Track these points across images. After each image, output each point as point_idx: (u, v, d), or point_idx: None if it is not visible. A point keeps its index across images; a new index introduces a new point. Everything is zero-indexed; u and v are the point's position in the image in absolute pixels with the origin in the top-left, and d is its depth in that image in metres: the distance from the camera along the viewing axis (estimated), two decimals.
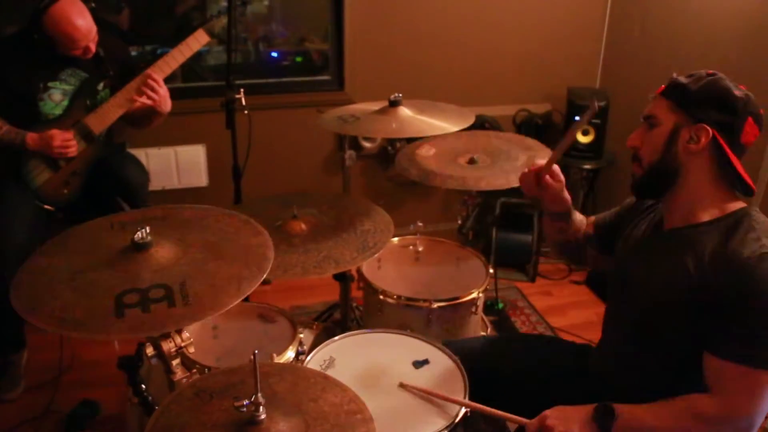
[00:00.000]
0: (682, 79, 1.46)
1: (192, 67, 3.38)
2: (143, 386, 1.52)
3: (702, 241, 1.42)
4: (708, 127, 1.40)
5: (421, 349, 1.81)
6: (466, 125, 2.21)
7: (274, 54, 3.56)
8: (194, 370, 1.57)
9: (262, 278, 1.41)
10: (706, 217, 1.45)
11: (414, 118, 2.22)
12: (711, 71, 1.46)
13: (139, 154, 3.12)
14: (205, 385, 1.33)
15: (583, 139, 3.54)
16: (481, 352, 1.89)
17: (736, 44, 2.75)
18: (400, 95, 2.26)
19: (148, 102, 2.54)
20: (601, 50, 3.78)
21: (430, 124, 2.18)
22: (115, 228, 1.56)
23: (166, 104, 2.61)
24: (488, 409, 1.57)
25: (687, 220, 1.48)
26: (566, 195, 1.76)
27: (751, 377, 1.32)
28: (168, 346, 1.38)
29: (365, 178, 3.71)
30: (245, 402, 1.18)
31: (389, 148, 3.59)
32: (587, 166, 3.61)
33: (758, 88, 2.58)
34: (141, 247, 1.36)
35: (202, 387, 1.32)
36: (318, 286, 3.41)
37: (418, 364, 1.75)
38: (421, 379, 1.69)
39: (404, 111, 2.23)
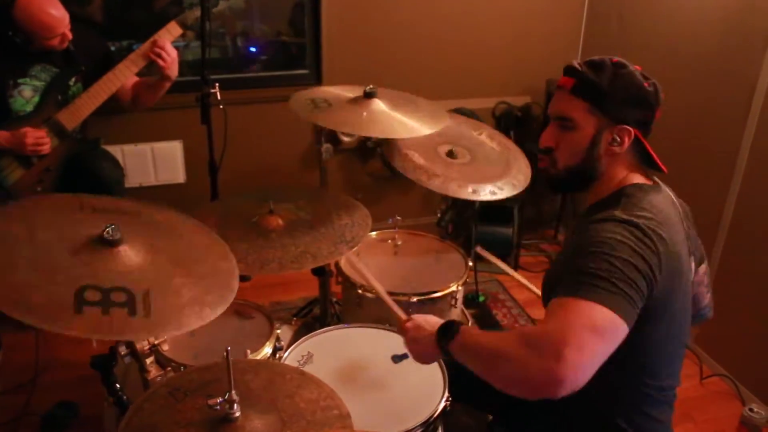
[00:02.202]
0: (591, 74, 1.40)
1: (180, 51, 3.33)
2: (118, 386, 1.50)
3: (585, 220, 1.41)
4: (630, 128, 1.39)
5: (400, 343, 1.80)
6: (438, 128, 2.18)
7: (253, 49, 3.52)
8: (169, 368, 1.54)
9: (222, 309, 1.34)
10: (602, 196, 1.45)
11: (386, 114, 2.18)
12: (615, 59, 1.42)
13: (115, 150, 3.07)
14: (179, 384, 1.31)
15: None
16: None
17: (712, 37, 2.76)
18: (375, 87, 2.23)
19: (159, 62, 2.55)
20: (579, 42, 3.78)
21: (402, 123, 2.16)
22: (85, 210, 1.50)
23: (175, 68, 2.63)
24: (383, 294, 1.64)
25: (592, 201, 1.48)
26: None
27: (563, 304, 1.23)
28: (141, 344, 1.36)
29: (344, 173, 3.68)
30: (219, 400, 1.16)
31: (368, 142, 3.57)
32: None
33: (732, 80, 2.63)
34: (109, 243, 1.33)
35: (176, 385, 1.30)
36: (298, 281, 3.38)
37: (397, 358, 1.74)
38: (401, 373, 1.68)
39: (378, 104, 2.20)
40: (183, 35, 3.26)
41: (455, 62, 3.63)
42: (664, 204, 1.42)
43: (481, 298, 3.28)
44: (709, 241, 2.69)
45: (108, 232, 1.31)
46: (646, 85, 1.40)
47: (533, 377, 1.17)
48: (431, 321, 1.46)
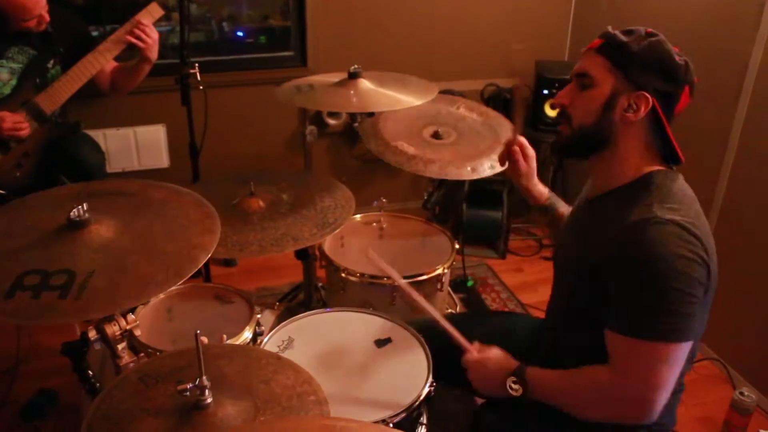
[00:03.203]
0: (621, 36, 1.35)
1: (165, 36, 3.28)
2: (90, 372, 1.45)
3: (609, 207, 1.39)
4: (649, 96, 1.32)
5: (384, 327, 1.77)
6: (429, 98, 2.14)
7: (240, 33, 3.46)
8: (142, 354, 1.50)
9: (173, 285, 1.30)
10: (621, 182, 1.40)
11: (375, 91, 2.15)
12: (650, 30, 1.37)
13: (97, 135, 3.01)
14: (151, 370, 1.26)
15: (551, 112, 3.49)
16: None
17: (703, 15, 2.71)
18: (360, 67, 2.18)
19: (140, 44, 2.47)
20: (569, 23, 3.72)
21: (392, 97, 2.12)
22: (81, 197, 1.44)
23: (156, 50, 2.55)
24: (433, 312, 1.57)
25: (608, 186, 1.43)
26: (541, 188, 1.73)
27: (634, 347, 1.26)
28: (112, 329, 1.31)
29: (330, 156, 3.63)
30: (189, 386, 1.12)
31: (355, 125, 3.51)
32: None
33: (724, 59, 2.58)
34: (76, 226, 1.28)
35: (147, 371, 1.26)
36: (284, 267, 3.34)
37: (381, 342, 1.71)
38: (384, 358, 1.64)
39: (364, 83, 2.16)
40: (167, 18, 3.22)
41: (443, 44, 3.57)
42: (690, 193, 1.38)
43: (470, 283, 3.24)
44: None
45: (75, 214, 1.26)
46: (677, 58, 1.34)
47: (629, 419, 1.32)
48: (495, 360, 1.50)
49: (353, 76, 2.16)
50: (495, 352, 1.51)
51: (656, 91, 1.33)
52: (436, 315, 1.57)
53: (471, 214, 3.55)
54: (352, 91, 2.12)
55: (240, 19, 3.44)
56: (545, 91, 3.44)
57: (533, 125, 3.56)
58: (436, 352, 1.64)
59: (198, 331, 1.08)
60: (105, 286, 1.24)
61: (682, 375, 1.43)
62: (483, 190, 3.64)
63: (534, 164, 1.71)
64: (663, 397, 1.27)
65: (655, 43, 1.34)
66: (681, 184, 1.38)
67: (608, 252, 1.31)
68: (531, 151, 1.70)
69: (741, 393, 2.31)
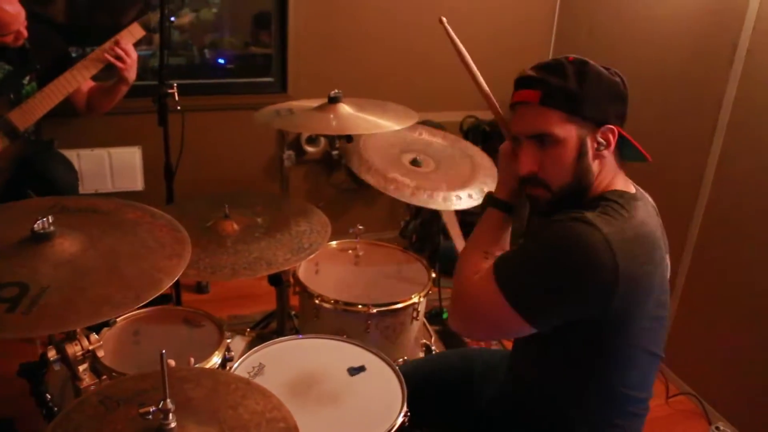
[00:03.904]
0: (556, 81, 1.27)
1: (146, 60, 3.27)
2: (48, 396, 1.39)
3: None
4: (613, 127, 1.29)
5: (357, 355, 1.72)
6: (408, 124, 2.13)
7: (221, 60, 3.45)
8: (105, 377, 1.44)
9: (132, 308, 1.24)
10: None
11: (354, 116, 2.13)
12: (572, 57, 1.31)
13: (71, 155, 2.94)
14: (113, 392, 1.20)
15: None
16: (420, 364, 1.84)
17: (680, 51, 2.76)
18: (340, 92, 2.17)
19: (118, 64, 2.43)
20: (549, 56, 3.77)
21: (371, 121, 2.10)
22: (53, 211, 1.39)
23: (134, 71, 2.51)
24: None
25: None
26: None
27: (488, 276, 1.30)
28: (73, 349, 1.25)
29: (308, 184, 3.60)
30: (152, 409, 1.07)
31: (333, 152, 3.49)
32: None
33: (700, 92, 2.62)
34: (39, 238, 1.23)
35: (108, 394, 1.20)
36: (257, 295, 3.28)
37: (354, 371, 1.66)
38: (357, 386, 1.60)
39: (344, 108, 2.15)
40: (148, 42, 3.20)
41: (422, 75, 3.59)
42: (645, 214, 1.30)
43: (445, 315, 3.20)
44: (675, 261, 2.66)
45: (39, 226, 1.21)
46: (615, 78, 1.32)
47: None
48: None
49: (333, 100, 2.15)
50: None
51: (616, 117, 1.31)
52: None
53: (448, 245, 3.52)
54: (331, 115, 2.10)
55: (221, 45, 3.43)
56: None
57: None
58: (413, 392, 1.59)
59: (164, 351, 1.03)
60: (58, 302, 1.18)
61: (643, 400, 1.43)
62: (462, 221, 3.62)
63: None
64: (472, 327, 1.40)
65: (591, 72, 1.29)
66: (636, 206, 1.29)
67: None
68: None
69: (717, 428, 2.29)
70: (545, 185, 1.32)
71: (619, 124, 1.32)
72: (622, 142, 1.34)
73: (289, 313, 2.58)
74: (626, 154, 1.38)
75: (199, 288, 3.28)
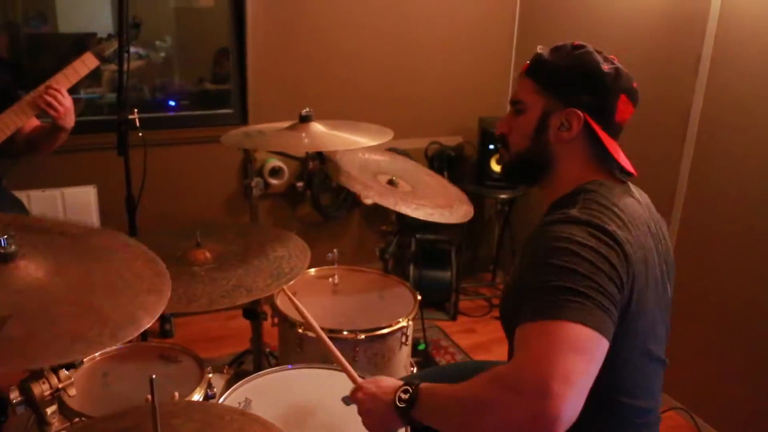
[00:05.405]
0: (546, 55, 1.32)
1: (91, 102, 3.17)
2: None
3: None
4: (579, 112, 1.27)
5: (350, 383, 1.59)
6: (385, 139, 2.05)
7: (172, 103, 3.34)
8: (76, 420, 1.28)
9: (107, 348, 1.10)
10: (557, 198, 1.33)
11: (327, 133, 2.04)
12: (577, 42, 1.32)
13: (20, 196, 2.76)
14: None
15: (497, 167, 3.46)
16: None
17: (642, 56, 2.76)
18: (311, 110, 2.08)
19: (50, 112, 2.19)
20: (509, 79, 3.78)
21: (346, 138, 2.01)
22: (15, 228, 1.22)
23: (71, 118, 2.27)
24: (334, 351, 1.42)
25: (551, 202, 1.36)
26: None
27: (530, 331, 1.08)
28: (40, 388, 1.10)
29: (273, 218, 3.47)
30: None
31: (298, 185, 3.39)
32: (502, 196, 3.54)
33: (667, 101, 2.62)
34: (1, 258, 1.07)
35: None
36: (227, 336, 3.13)
37: (348, 399, 1.53)
38: (354, 416, 1.47)
39: (316, 126, 2.06)
40: (98, 82, 3.08)
41: (385, 103, 3.54)
42: (630, 203, 1.27)
43: (421, 346, 3.08)
44: None
45: None
46: (604, 67, 1.27)
47: (523, 423, 1.00)
48: (383, 385, 1.28)
49: (305, 119, 2.06)
50: (383, 378, 1.33)
51: (586, 105, 1.28)
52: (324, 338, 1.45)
53: (418, 274, 3.43)
54: (303, 134, 2.01)
55: (172, 86, 3.34)
56: (491, 146, 3.42)
57: (480, 182, 3.52)
58: None
59: (154, 376, 0.90)
60: (21, 335, 1.00)
61: (651, 409, 1.34)
62: (430, 250, 3.55)
63: None
64: (569, 393, 0.99)
65: (578, 57, 1.29)
66: (619, 195, 1.27)
67: (526, 266, 1.20)
68: None
69: None
70: (507, 147, 1.39)
71: (592, 115, 1.28)
72: (598, 143, 1.29)
73: (264, 351, 2.43)
74: (614, 169, 1.33)
75: (164, 332, 3.10)
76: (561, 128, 1.29)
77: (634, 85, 1.32)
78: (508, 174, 1.44)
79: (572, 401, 0.99)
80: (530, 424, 0.99)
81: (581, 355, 1.03)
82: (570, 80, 1.28)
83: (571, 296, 1.07)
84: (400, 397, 1.20)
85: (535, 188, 1.42)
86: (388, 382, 1.29)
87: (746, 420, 2.42)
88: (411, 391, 1.19)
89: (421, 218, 2.01)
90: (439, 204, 2.12)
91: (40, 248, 1.16)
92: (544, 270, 1.12)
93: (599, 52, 1.31)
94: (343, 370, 1.40)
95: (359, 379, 1.37)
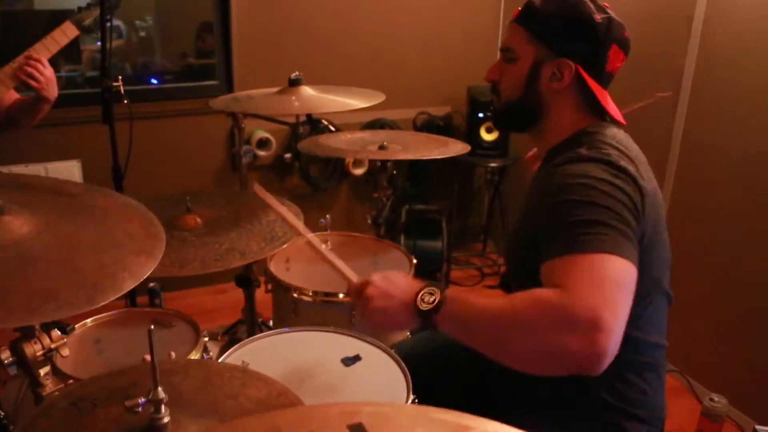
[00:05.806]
0: (537, 2, 1.31)
1: (72, 79, 3.09)
2: (2, 413, 1.18)
3: (542, 170, 1.35)
4: (571, 62, 1.27)
5: (350, 344, 1.57)
6: (377, 101, 2.02)
7: (155, 81, 3.27)
8: (71, 381, 1.24)
9: (79, 311, 0.95)
10: (556, 143, 1.34)
11: (317, 96, 2.00)
12: None
13: (3, 172, 2.70)
14: (84, 393, 1.02)
15: (487, 136, 3.44)
16: (413, 346, 1.69)
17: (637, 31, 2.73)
18: (301, 74, 2.04)
19: (32, 83, 2.12)
20: (497, 48, 3.73)
21: (337, 101, 1.97)
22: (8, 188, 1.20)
23: (53, 88, 2.19)
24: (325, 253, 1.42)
25: (545, 153, 1.38)
26: None
27: (572, 263, 1.06)
28: (32, 348, 1.06)
29: None
30: (140, 401, 0.89)
31: (286, 156, 3.34)
32: (492, 164, 3.51)
33: (659, 67, 2.59)
34: None
35: (80, 395, 1.01)
36: (216, 309, 3.11)
37: (349, 360, 1.51)
38: (355, 377, 1.45)
39: (306, 90, 2.01)
40: (77, 61, 2.99)
41: (373, 73, 3.48)
42: (632, 144, 1.30)
43: None
44: None
45: None
46: (596, 17, 1.26)
47: (572, 352, 0.98)
48: (400, 283, 1.22)
49: (294, 83, 2.01)
50: (396, 275, 1.26)
51: (578, 55, 1.28)
52: (339, 263, 1.42)
53: (409, 244, 3.40)
54: (293, 97, 1.97)
55: (154, 64, 3.26)
56: (480, 114, 3.39)
57: (469, 151, 3.48)
58: (413, 373, 1.45)
59: (152, 327, 0.87)
60: None
61: (659, 347, 1.35)
62: (420, 220, 3.52)
63: None
64: (617, 327, 0.99)
65: (573, 4, 1.28)
66: (615, 132, 1.30)
67: (537, 206, 1.25)
68: None
69: (711, 399, 2.23)
70: (498, 94, 1.39)
71: (583, 65, 1.28)
72: (588, 92, 1.30)
73: (257, 320, 2.40)
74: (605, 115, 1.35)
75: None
76: (552, 78, 1.30)
77: (626, 34, 1.32)
78: (499, 121, 1.47)
79: (618, 335, 1.00)
80: (579, 357, 0.98)
81: (622, 287, 1.05)
82: (562, 31, 1.28)
83: (603, 230, 1.07)
84: (422, 298, 1.14)
85: (525, 134, 1.43)
86: (404, 281, 1.23)
87: (740, 379, 2.43)
88: (436, 294, 1.13)
89: (427, 158, 2.04)
90: (435, 148, 2.11)
91: (32, 206, 1.11)
92: (565, 206, 1.13)
93: (592, 1, 1.29)
94: (335, 268, 1.36)
95: (356, 277, 1.32)
